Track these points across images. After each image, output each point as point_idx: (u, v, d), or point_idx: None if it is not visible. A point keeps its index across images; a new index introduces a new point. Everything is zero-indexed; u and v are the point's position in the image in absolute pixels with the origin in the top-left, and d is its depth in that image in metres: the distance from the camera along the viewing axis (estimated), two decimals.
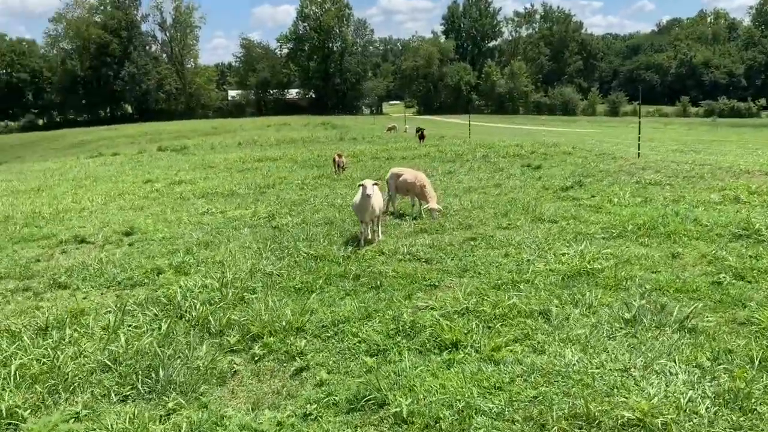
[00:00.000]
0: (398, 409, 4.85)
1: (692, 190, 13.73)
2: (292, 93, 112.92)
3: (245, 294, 7.85)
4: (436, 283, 8.12)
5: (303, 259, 9.49)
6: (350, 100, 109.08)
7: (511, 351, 5.91)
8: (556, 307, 6.92)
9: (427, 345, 6.03)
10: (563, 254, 9.09)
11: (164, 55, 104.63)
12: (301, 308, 7.26)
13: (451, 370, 5.55)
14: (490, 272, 8.47)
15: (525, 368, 5.50)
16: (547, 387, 5.17)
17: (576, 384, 5.18)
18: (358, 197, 9.84)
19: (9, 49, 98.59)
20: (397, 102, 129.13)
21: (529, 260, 8.96)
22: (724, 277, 7.70)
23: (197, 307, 7.36)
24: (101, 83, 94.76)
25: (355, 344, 6.25)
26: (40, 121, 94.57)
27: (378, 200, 9.99)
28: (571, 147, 25.47)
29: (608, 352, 5.78)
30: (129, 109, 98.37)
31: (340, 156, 21.59)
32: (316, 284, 8.28)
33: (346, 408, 5.09)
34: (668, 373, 5.28)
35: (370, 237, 10.47)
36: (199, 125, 71.31)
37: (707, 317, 6.52)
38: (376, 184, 9.82)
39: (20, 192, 21.86)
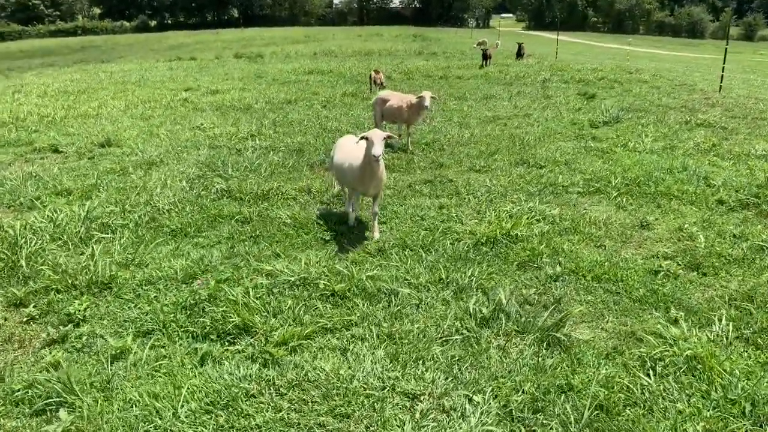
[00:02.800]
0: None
1: (742, 137, 11.18)
2: (396, 2, 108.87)
3: (99, 233, 6.81)
4: (326, 238, 6.75)
5: (209, 195, 8.32)
6: (456, 11, 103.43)
7: (306, 348, 4.53)
8: (414, 288, 5.40)
9: (211, 328, 4.75)
10: (504, 212, 7.36)
11: None
12: (134, 257, 6.15)
13: (199, 369, 4.27)
14: (400, 228, 6.98)
15: (269, 380, 4.14)
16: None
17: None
18: (354, 157, 6.45)
19: None
20: (509, 16, 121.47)
21: (458, 217, 7.33)
22: (669, 265, 5.81)
23: (32, 243, 6.42)
24: None
25: (125, 320, 5.06)
26: (153, 22, 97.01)
27: (383, 169, 6.53)
28: (652, 75, 22.32)
29: (416, 366, 4.28)
30: (235, 13, 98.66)
31: (377, 72, 19.90)
32: (194, 228, 7.11)
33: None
34: (458, 414, 3.75)
35: (354, 215, 7.25)
36: (293, 33, 70.40)
37: (586, 327, 4.81)
38: (389, 136, 6.21)
39: (63, 93, 21.88)
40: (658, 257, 6.09)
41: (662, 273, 5.67)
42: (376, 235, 6.75)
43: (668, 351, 4.26)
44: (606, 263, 5.85)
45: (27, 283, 5.68)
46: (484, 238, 6.52)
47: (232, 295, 5.02)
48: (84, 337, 4.77)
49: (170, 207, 7.77)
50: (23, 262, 5.97)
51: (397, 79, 22.65)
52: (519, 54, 28.71)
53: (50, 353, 4.56)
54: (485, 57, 26.22)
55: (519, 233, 6.60)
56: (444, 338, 4.61)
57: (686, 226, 6.84)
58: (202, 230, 7.11)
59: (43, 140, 12.83)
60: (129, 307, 5.16)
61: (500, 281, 5.64)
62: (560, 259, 6.05)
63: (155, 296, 5.28)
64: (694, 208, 7.53)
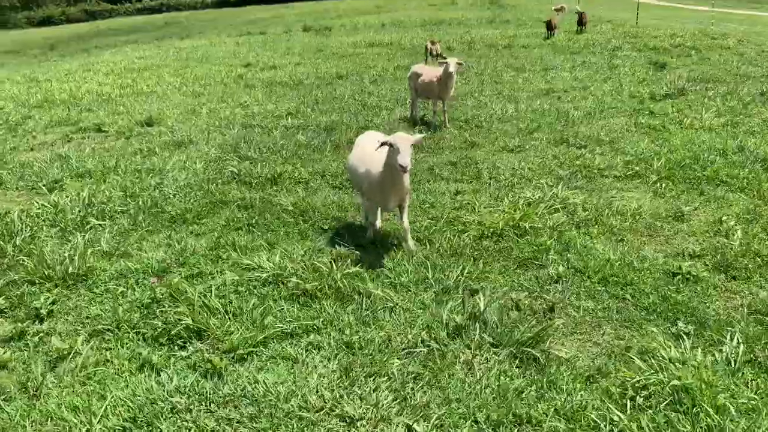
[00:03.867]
0: None
1: None
2: None
3: (95, 220, 6.69)
4: (325, 227, 6.37)
5: (219, 178, 8.07)
6: None
7: (257, 355, 4.17)
8: (393, 289, 4.92)
9: (162, 330, 4.45)
10: (522, 199, 6.72)
11: None
12: (121, 247, 5.97)
13: (134, 378, 3.98)
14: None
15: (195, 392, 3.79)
16: None
17: None
18: (374, 161, 5.31)
19: None
20: None
21: (471, 205, 6.75)
22: (693, 265, 5.06)
23: (27, 230, 6.36)
24: None
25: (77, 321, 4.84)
26: None
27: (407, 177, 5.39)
28: (737, 40, 20.46)
29: (366, 383, 3.83)
30: None
31: (433, 43, 19.18)
32: (193, 214, 6.88)
33: None
34: None
35: (376, 228, 5.94)
36: (363, 4, 69.59)
37: (576, 340, 4.20)
38: (419, 141, 5.23)
39: (129, 71, 22.34)
40: (683, 256, 5.34)
41: (682, 275, 4.92)
42: (412, 247, 5.63)
43: (656, 377, 3.60)
44: (618, 263, 5.16)
45: (7, 272, 5.57)
46: (491, 230, 5.92)
47: (192, 293, 4.69)
48: (40, 335, 4.59)
49: (176, 191, 7.56)
50: (10, 250, 5.89)
51: (457, 50, 21.79)
52: (580, 23, 25.59)
53: (2, 351, 4.40)
54: (550, 27, 23.81)
55: (530, 225, 5.95)
56: (408, 350, 4.13)
57: (726, 218, 5.98)
58: (201, 217, 6.86)
59: (90, 119, 13.04)
60: (94, 303, 4.94)
61: (494, 281, 5.07)
62: (569, 256, 5.40)
63: (122, 291, 5.04)
64: (743, 196, 6.62)
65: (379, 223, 5.85)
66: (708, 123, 9.32)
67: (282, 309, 4.67)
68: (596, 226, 6.02)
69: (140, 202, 7.17)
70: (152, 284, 4.99)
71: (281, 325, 4.42)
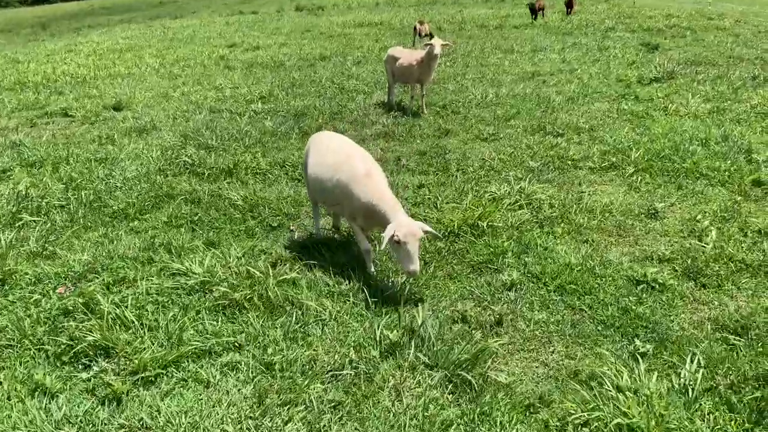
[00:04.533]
0: None
1: None
2: None
3: (28, 216, 6.24)
4: (274, 225, 5.92)
5: (171, 169, 7.62)
6: None
7: (165, 378, 3.75)
8: (330, 298, 4.49)
9: (67, 347, 4.01)
10: (487, 194, 6.27)
11: None
12: (48, 247, 5.53)
13: (19, 407, 3.56)
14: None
15: None
16: None
17: None
18: (340, 177, 4.69)
19: None
20: None
21: (433, 201, 6.30)
22: (661, 271, 4.63)
23: None
24: None
25: None
26: None
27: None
28: (735, 21, 19.84)
29: (279, 413, 3.41)
30: None
31: (422, 23, 18.59)
32: (136, 209, 6.44)
33: None
34: None
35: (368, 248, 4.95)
36: None
37: (521, 359, 3.77)
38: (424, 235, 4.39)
39: (111, 52, 21.74)
40: (651, 259, 4.89)
41: (647, 283, 4.48)
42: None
43: (600, 412, 3.18)
44: (579, 268, 4.71)
45: None
46: (448, 229, 5.47)
47: (105, 304, 4.26)
48: None
49: (123, 184, 7.11)
50: None
51: (447, 30, 21.22)
52: (569, 6, 22.86)
53: None
54: (534, 10, 21.61)
55: (490, 223, 5.50)
56: (333, 372, 3.70)
57: (702, 216, 5.53)
58: (144, 212, 6.43)
59: (59, 103, 12.57)
60: (3, 314, 4.51)
61: (443, 289, 4.63)
62: (527, 259, 4.95)
63: (36, 300, 4.60)
64: (723, 190, 6.16)
65: (366, 244, 4.87)
66: (694, 109, 8.83)
67: (204, 322, 4.22)
68: (561, 225, 5.58)
69: (83, 196, 6.72)
70: (59, 294, 4.55)
71: (199, 342, 3.99)
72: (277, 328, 4.16)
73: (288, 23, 27.59)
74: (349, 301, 4.42)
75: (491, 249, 5.11)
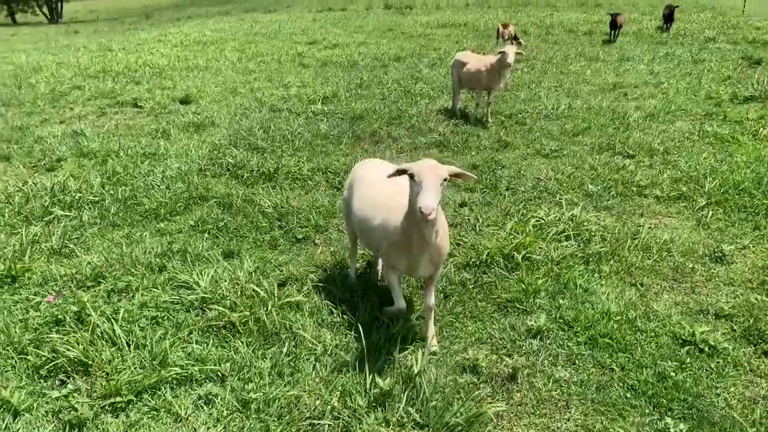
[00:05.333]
0: None
1: None
2: None
3: (60, 211, 6.19)
4: (299, 237, 5.61)
5: (213, 169, 7.45)
6: None
7: (136, 406, 3.47)
8: (331, 330, 4.10)
9: (48, 360, 3.81)
10: (534, 219, 5.71)
11: None
12: (69, 245, 5.43)
13: None
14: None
15: None
16: None
17: None
18: (390, 206, 3.76)
19: None
20: None
21: (473, 222, 5.80)
22: (713, 330, 3.96)
23: None
24: None
25: None
26: None
27: (443, 225, 3.72)
28: None
29: None
30: None
31: (505, 26, 17.89)
32: (167, 209, 6.29)
33: None
34: None
35: (402, 307, 3.98)
36: None
37: (529, 425, 3.24)
38: (458, 174, 3.44)
39: (197, 44, 22.21)
40: (706, 313, 4.22)
41: (695, 344, 3.83)
42: (433, 342, 3.96)
43: None
44: (618, 318, 4.11)
45: None
46: (480, 257, 4.96)
47: (95, 317, 4.04)
48: None
49: (162, 181, 6.98)
50: None
51: (533, 34, 20.39)
52: (668, 20, 19.06)
53: None
54: (614, 25, 17.76)
55: (528, 254, 4.95)
56: (312, 420, 3.31)
57: None
58: (174, 213, 6.25)
59: (132, 93, 12.78)
60: (2, 316, 4.38)
61: (460, 328, 4.15)
62: (561, 301, 4.38)
63: (36, 303, 4.46)
64: None
65: (401, 303, 3.90)
66: None
67: (193, 344, 3.93)
68: (610, 263, 4.95)
69: (119, 192, 6.63)
70: (48, 302, 4.37)
71: (181, 367, 3.69)
72: (266, 358, 3.80)
73: (372, 21, 27.41)
74: (350, 334, 4.01)
75: (523, 286, 4.57)
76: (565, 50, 16.32)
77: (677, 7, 18.29)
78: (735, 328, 4.05)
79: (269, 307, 4.15)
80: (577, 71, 13.41)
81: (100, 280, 4.75)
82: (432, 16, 27.20)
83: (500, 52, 8.81)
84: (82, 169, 7.53)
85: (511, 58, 8.60)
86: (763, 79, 11.27)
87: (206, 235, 5.71)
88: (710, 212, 5.83)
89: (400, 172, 3.32)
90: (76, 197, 6.44)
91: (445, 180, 3.23)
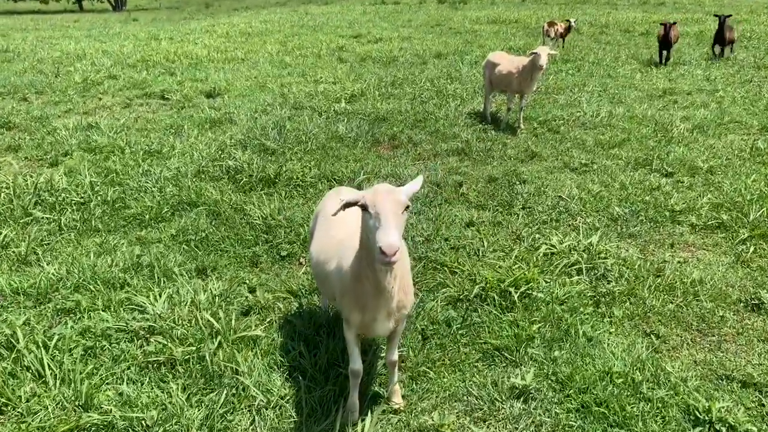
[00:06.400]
0: None
1: None
2: None
3: (39, 213, 5.87)
4: (283, 254, 5.13)
5: (213, 171, 7.03)
6: None
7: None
8: (282, 373, 3.58)
9: None
10: (546, 246, 5.06)
11: None
12: (36, 253, 5.08)
13: None
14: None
15: None
16: None
17: None
18: (344, 250, 3.08)
19: None
20: None
21: (477, 246, 5.20)
22: (732, 401, 3.27)
23: None
24: None
25: None
26: None
27: (405, 268, 3.10)
28: None
29: None
30: None
31: (552, 24, 17.01)
32: (152, 215, 5.90)
33: None
34: None
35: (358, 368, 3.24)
36: None
37: None
38: (407, 207, 2.63)
39: (242, 35, 22.02)
40: (730, 380, 3.52)
41: (710, 423, 3.15)
42: (395, 400, 3.42)
43: None
44: (623, 379, 3.45)
45: None
46: (475, 290, 4.36)
47: (22, 346, 3.63)
48: None
49: (156, 183, 6.60)
50: None
51: (585, 33, 19.42)
52: (721, 42, 14.06)
53: None
54: (665, 44, 13.42)
55: (529, 290, 4.32)
56: None
57: None
58: (159, 220, 5.85)
59: (162, 85, 12.57)
60: None
61: (434, 381, 3.57)
62: (557, 353, 3.75)
63: None
64: None
65: (357, 364, 3.20)
66: None
67: (125, 383, 3.47)
68: (625, 305, 4.28)
69: (109, 193, 6.27)
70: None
71: (104, 413, 3.23)
72: (202, 406, 3.31)
73: (422, 16, 26.77)
74: (302, 382, 3.48)
75: (515, 331, 3.94)
76: (616, 51, 15.36)
77: (729, 16, 13.73)
78: (765, 403, 3.34)
79: (220, 342, 3.65)
80: (626, 75, 12.54)
81: (50, 296, 4.35)
82: (484, 12, 26.40)
83: (532, 53, 8.13)
84: (83, 166, 7.21)
85: (544, 60, 7.92)
86: None
87: (185, 246, 5.27)
88: (752, 247, 5.05)
89: (348, 205, 2.73)
90: (61, 198, 6.09)
91: (407, 208, 2.63)
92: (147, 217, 5.85)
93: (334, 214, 2.77)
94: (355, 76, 13.10)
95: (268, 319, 4.08)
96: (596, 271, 4.70)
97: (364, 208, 2.61)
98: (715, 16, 14.23)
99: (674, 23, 13.61)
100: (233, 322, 3.93)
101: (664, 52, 13.68)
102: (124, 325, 3.94)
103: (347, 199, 2.69)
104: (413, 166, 7.39)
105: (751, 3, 29.66)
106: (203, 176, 6.82)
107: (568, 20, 17.16)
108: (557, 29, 16.81)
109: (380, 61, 15.44)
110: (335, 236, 3.25)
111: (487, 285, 4.37)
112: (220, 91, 11.91)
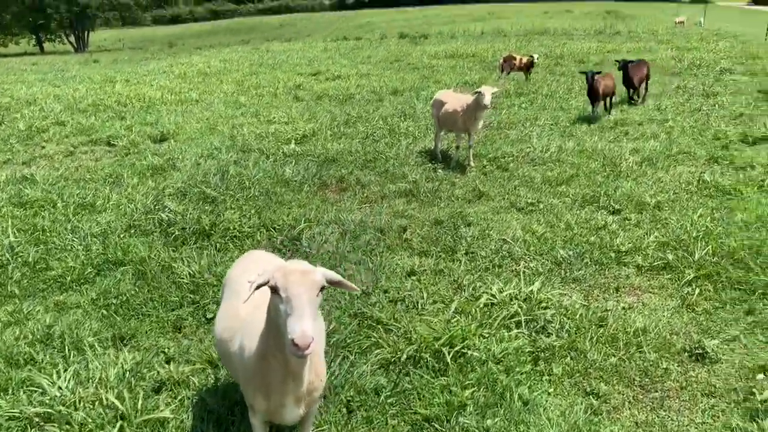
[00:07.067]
0: None
1: None
2: None
3: None
4: (210, 317, 4.80)
5: (144, 225, 6.70)
6: None
7: None
8: None
9: None
10: (487, 295, 4.83)
11: None
12: None
13: None
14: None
15: None
16: None
17: None
18: (247, 335, 2.77)
19: None
20: None
21: (416, 298, 4.94)
22: None
23: None
24: None
25: None
26: (350, 0, 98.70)
27: (319, 345, 2.93)
28: None
29: None
30: None
31: (509, 59, 17.10)
32: (74, 276, 5.54)
33: None
34: None
35: None
36: (476, 10, 67.33)
37: None
38: (323, 288, 2.40)
39: (200, 74, 21.81)
40: None
41: None
42: None
43: None
44: None
45: None
46: (407, 351, 4.09)
47: None
48: None
49: (83, 240, 6.26)
50: None
51: (542, 65, 19.54)
52: (629, 83, 12.46)
53: None
54: (594, 95, 11.23)
55: (465, 348, 4.07)
56: None
57: None
58: (82, 281, 5.51)
59: (108, 130, 12.23)
60: None
61: None
62: (490, 421, 3.48)
63: None
64: None
65: None
66: None
67: None
68: (565, 360, 4.04)
69: (30, 254, 5.90)
70: None
71: None
72: None
73: (382, 52, 26.87)
74: None
75: (447, 398, 3.68)
76: (570, 83, 15.46)
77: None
78: None
79: (122, 427, 3.32)
80: (579, 106, 12.55)
81: None
82: (442, 46, 26.58)
83: (476, 92, 8.04)
84: (8, 224, 6.83)
85: (487, 99, 7.83)
86: None
87: (104, 312, 4.93)
88: (698, 289, 4.89)
89: (259, 287, 2.44)
90: None
91: (322, 289, 2.37)
92: (69, 279, 5.51)
93: (245, 301, 2.50)
94: (309, 115, 12.92)
95: (180, 397, 3.75)
96: (536, 323, 4.47)
97: (274, 290, 2.34)
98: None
99: (602, 73, 11.56)
100: (140, 402, 3.60)
101: (593, 105, 11.45)
102: (17, 413, 3.57)
103: (256, 281, 2.41)
104: (359, 210, 7.16)
105: (701, 31, 30.48)
106: (134, 231, 6.49)
107: (531, 55, 17.25)
108: (514, 64, 16.89)
109: (336, 98, 15.32)
110: (240, 311, 2.96)
111: (422, 344, 4.11)
112: (169, 135, 11.63)
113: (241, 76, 20.63)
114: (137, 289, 5.24)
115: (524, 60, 16.83)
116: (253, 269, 3.08)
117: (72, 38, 54.36)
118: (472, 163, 8.76)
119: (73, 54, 47.73)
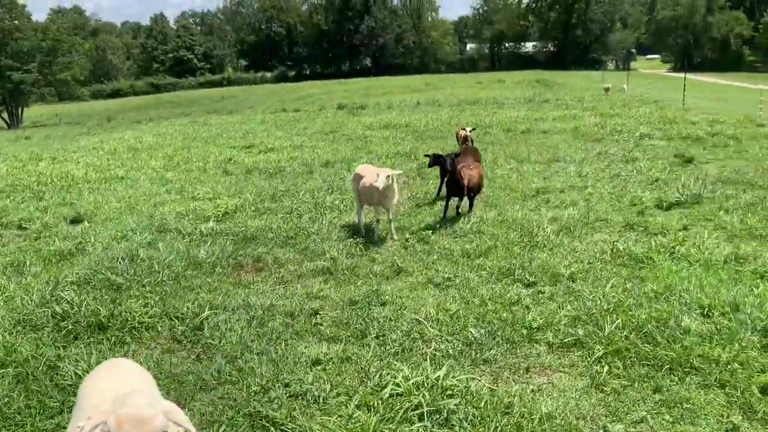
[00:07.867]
0: None
1: None
2: (528, 47, 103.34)
3: None
4: None
5: (37, 320, 6.25)
6: (593, 53, 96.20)
7: None
8: None
9: None
10: (392, 384, 4.58)
11: (404, 9, 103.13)
12: None
13: None
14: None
15: None
16: None
17: None
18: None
19: (270, 5, 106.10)
20: (656, 56, 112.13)
21: (318, 392, 4.65)
22: None
23: None
24: (342, 37, 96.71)
25: None
26: (291, 73, 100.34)
27: None
28: None
29: None
30: (368, 62, 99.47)
31: (463, 133, 17.06)
32: None
33: None
34: None
35: None
36: (413, 81, 69.32)
37: None
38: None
39: (130, 150, 21.38)
40: None
41: None
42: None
43: None
44: None
45: None
46: None
47: None
48: None
49: None
50: None
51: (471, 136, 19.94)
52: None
53: None
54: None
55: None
56: None
57: None
58: None
59: (21, 213, 11.69)
60: None
61: None
62: None
63: None
64: (719, 398, 4.27)
65: None
66: (707, 254, 6.95)
67: None
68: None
69: None
70: None
71: None
72: None
73: (319, 123, 27.07)
74: None
75: None
76: (496, 151, 15.76)
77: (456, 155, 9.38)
78: None
79: None
80: (503, 176, 12.72)
81: None
82: (378, 117, 27.00)
83: (377, 173, 8.09)
84: None
85: (381, 183, 7.88)
86: (690, 181, 10.60)
87: None
88: (607, 367, 4.77)
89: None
90: None
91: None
92: None
93: None
94: (236, 190, 12.71)
95: None
96: (439, 415, 4.24)
97: None
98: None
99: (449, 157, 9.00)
100: None
101: (449, 200, 9.36)
102: None
103: (86, 427, 2.12)
104: (271, 292, 6.90)
105: (624, 97, 31.98)
106: (23, 326, 6.04)
107: (464, 128, 17.42)
108: (462, 135, 17.02)
109: (267, 172, 15.20)
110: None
111: None
112: (85, 216, 11.20)
113: (173, 151, 20.38)
114: (15, 395, 4.78)
115: (461, 134, 17.01)
116: (104, 386, 2.77)
117: (5, 114, 53.04)
118: (395, 236, 8.67)
119: (6, 130, 46.60)
